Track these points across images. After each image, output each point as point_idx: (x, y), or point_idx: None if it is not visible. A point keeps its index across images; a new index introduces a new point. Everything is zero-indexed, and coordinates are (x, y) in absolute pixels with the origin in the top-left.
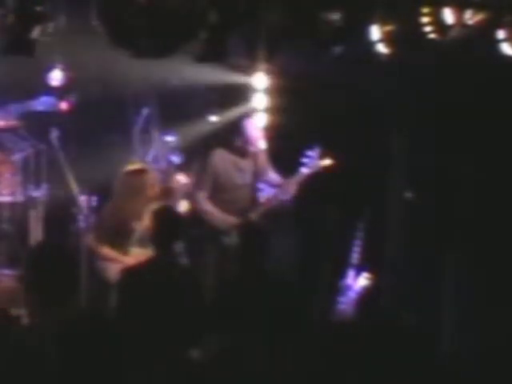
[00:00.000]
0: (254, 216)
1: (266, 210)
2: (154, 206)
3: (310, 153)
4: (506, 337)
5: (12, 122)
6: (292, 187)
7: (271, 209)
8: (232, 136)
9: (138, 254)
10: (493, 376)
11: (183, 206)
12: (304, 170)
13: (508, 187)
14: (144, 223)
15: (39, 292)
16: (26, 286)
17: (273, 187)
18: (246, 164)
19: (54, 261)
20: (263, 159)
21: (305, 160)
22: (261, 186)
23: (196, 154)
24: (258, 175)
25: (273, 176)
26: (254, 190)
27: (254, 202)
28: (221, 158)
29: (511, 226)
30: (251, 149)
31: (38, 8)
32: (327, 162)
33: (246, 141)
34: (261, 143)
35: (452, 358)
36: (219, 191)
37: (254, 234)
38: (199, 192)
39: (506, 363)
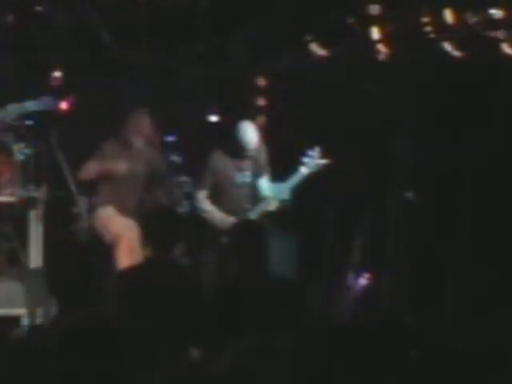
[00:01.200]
0: (253, 215)
1: (266, 209)
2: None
3: (310, 152)
4: (506, 336)
5: (11, 122)
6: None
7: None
8: (229, 138)
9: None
10: (494, 374)
11: (183, 206)
12: (304, 170)
13: (508, 187)
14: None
15: (60, 292)
16: (49, 287)
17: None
18: (245, 163)
19: (76, 261)
20: (263, 159)
21: (305, 159)
22: None
23: (196, 154)
24: (257, 175)
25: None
26: (255, 189)
27: (254, 201)
28: (220, 157)
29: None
30: (248, 152)
31: (38, 8)
32: (327, 161)
33: (242, 144)
34: (259, 144)
35: (451, 357)
36: (219, 191)
37: (251, 232)
38: (199, 191)
39: (507, 363)
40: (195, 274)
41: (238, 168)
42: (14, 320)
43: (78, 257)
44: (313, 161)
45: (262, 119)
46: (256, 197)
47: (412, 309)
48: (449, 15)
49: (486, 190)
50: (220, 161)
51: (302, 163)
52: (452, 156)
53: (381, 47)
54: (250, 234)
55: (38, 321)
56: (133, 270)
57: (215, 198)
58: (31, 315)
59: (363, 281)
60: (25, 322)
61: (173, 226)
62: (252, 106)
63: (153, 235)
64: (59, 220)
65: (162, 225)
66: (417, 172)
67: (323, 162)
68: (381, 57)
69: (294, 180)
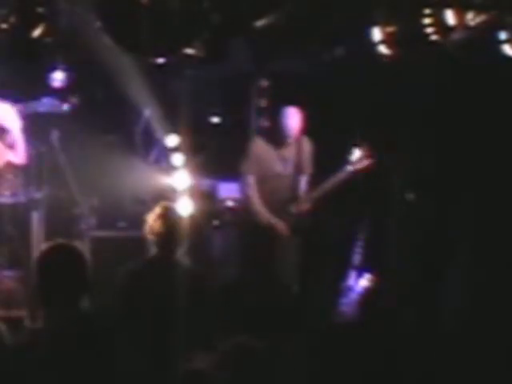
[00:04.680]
0: (294, 209)
1: (307, 203)
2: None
3: (355, 150)
4: (505, 337)
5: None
6: (305, 206)
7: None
8: (270, 125)
9: None
10: (492, 373)
11: (186, 207)
12: (349, 168)
13: (509, 187)
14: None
15: (47, 293)
16: (34, 287)
17: None
18: (288, 153)
19: (64, 261)
20: (307, 152)
21: (350, 157)
22: None
23: (198, 155)
24: (300, 167)
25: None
26: (296, 180)
27: (294, 193)
28: (264, 145)
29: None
30: (290, 138)
31: (40, 9)
32: (372, 161)
33: (284, 129)
34: (302, 135)
35: (451, 357)
36: (259, 181)
37: (255, 234)
38: (247, 177)
39: (506, 362)
40: (197, 274)
41: (280, 157)
42: (15, 321)
43: (68, 257)
44: (358, 159)
45: (264, 120)
46: (296, 189)
47: (412, 309)
48: (450, 16)
49: (487, 190)
50: (262, 148)
51: (347, 161)
52: (453, 156)
53: (382, 48)
54: (254, 236)
55: (39, 322)
56: (135, 270)
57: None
58: (32, 317)
59: (365, 282)
60: (26, 323)
61: (176, 227)
62: (254, 107)
63: (156, 235)
64: (61, 221)
65: (165, 225)
66: (418, 173)
67: (368, 161)
68: (382, 58)
69: (334, 180)
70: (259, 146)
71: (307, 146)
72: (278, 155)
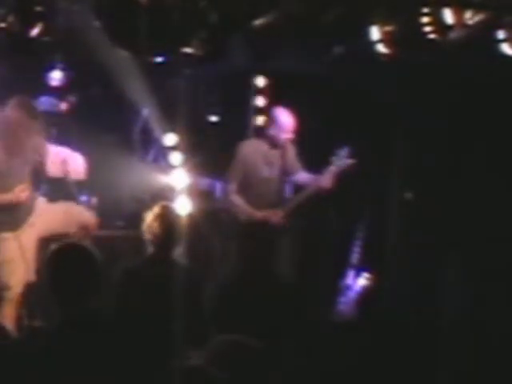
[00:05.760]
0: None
1: (294, 205)
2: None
3: (339, 151)
4: (504, 337)
5: None
6: (326, 181)
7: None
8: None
9: None
10: (492, 372)
11: (185, 206)
12: (332, 168)
13: (509, 187)
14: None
15: (58, 292)
16: (47, 286)
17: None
18: (275, 156)
19: (75, 261)
20: (292, 154)
21: (333, 158)
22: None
23: (196, 155)
24: (285, 170)
25: (303, 175)
26: (282, 183)
27: (280, 196)
28: (251, 149)
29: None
30: (284, 137)
31: (38, 8)
32: (355, 161)
33: (279, 129)
34: (292, 134)
35: (451, 357)
36: (246, 184)
37: (255, 232)
38: (230, 184)
39: (504, 364)
40: (195, 274)
41: (267, 161)
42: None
43: (80, 257)
44: (342, 160)
45: (261, 119)
46: (281, 193)
47: (412, 309)
48: (448, 15)
49: (487, 190)
50: (250, 152)
51: (331, 161)
52: (452, 156)
53: (381, 47)
54: (253, 236)
55: (38, 321)
56: (132, 269)
57: (242, 193)
58: (30, 315)
59: (363, 281)
60: (24, 322)
61: (174, 226)
62: (252, 106)
63: (153, 235)
64: None
65: (163, 225)
66: (417, 172)
67: (351, 161)
68: (381, 57)
69: (309, 190)
70: (247, 149)
71: (291, 148)
72: (264, 159)
